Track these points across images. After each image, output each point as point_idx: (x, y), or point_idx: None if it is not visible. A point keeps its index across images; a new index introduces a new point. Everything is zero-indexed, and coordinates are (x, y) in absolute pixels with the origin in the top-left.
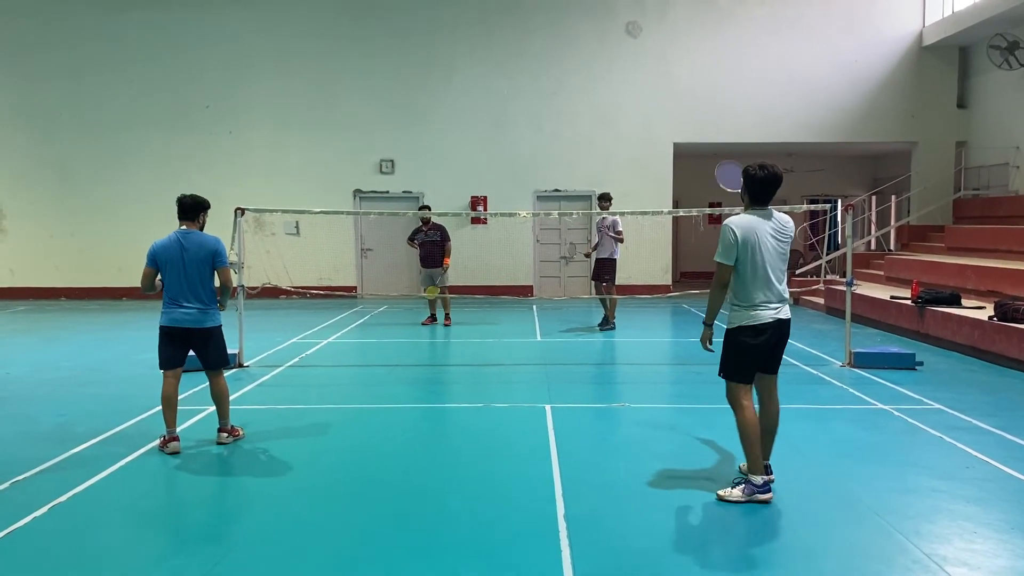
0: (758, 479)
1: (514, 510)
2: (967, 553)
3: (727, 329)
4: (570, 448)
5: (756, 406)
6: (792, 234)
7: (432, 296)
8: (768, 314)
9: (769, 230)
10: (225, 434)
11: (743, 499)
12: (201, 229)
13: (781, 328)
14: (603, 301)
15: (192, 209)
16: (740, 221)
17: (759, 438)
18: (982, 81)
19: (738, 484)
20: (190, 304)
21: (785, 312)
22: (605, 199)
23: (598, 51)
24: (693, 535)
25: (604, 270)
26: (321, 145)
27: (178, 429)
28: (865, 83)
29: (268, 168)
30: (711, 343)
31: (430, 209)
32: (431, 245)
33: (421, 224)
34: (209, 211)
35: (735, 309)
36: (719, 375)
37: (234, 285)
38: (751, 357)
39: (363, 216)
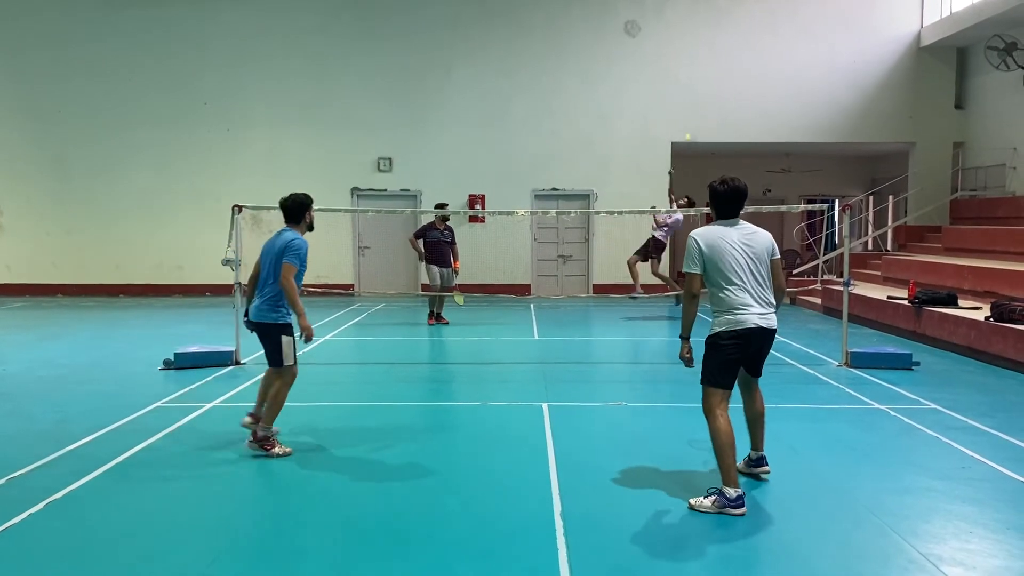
0: (731, 492)
1: (511, 508)
2: (963, 553)
3: (707, 336)
4: (567, 446)
5: (737, 404)
6: (768, 244)
7: (461, 302)
8: (749, 319)
9: (736, 237)
10: (249, 419)
11: (713, 510)
12: (310, 227)
13: (764, 336)
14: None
15: (293, 211)
16: (703, 231)
17: (733, 449)
18: (980, 82)
19: (711, 494)
20: (258, 298)
21: (770, 321)
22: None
23: (596, 50)
24: (689, 534)
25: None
26: (319, 143)
27: (175, 426)
28: (863, 83)
29: (266, 165)
30: (691, 355)
31: (447, 206)
32: (444, 245)
33: (435, 222)
34: (312, 206)
35: (715, 315)
36: (701, 382)
37: (294, 285)
38: (729, 363)
39: (361, 214)
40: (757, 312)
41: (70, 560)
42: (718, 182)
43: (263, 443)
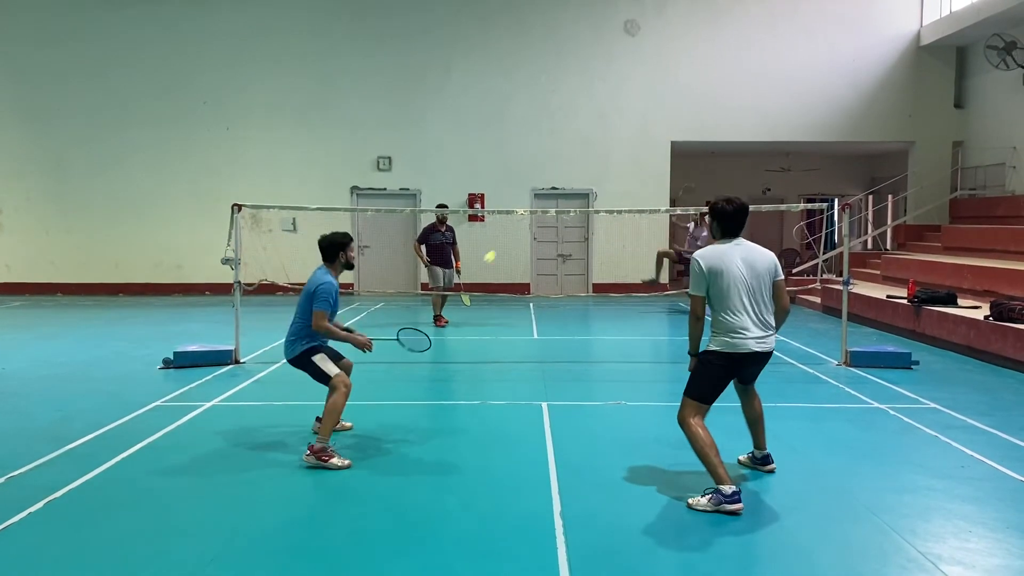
0: (726, 488)
1: (510, 507)
2: (962, 552)
3: (702, 350)
4: (566, 445)
5: (737, 404)
6: (770, 265)
7: (468, 303)
8: (745, 343)
9: (739, 257)
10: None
11: (710, 508)
12: (346, 264)
13: (758, 359)
14: None
15: (327, 250)
16: (705, 252)
17: (714, 450)
18: (979, 81)
19: (707, 493)
20: (288, 332)
21: (767, 344)
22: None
23: (596, 49)
24: (689, 532)
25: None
26: (319, 142)
27: (174, 425)
28: (863, 82)
29: (265, 164)
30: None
31: (447, 207)
32: (447, 247)
33: (437, 224)
34: (348, 245)
35: (713, 333)
36: (684, 393)
37: (328, 327)
38: (716, 381)
39: (360, 213)
40: (754, 337)
41: (70, 559)
42: (723, 202)
43: (319, 455)
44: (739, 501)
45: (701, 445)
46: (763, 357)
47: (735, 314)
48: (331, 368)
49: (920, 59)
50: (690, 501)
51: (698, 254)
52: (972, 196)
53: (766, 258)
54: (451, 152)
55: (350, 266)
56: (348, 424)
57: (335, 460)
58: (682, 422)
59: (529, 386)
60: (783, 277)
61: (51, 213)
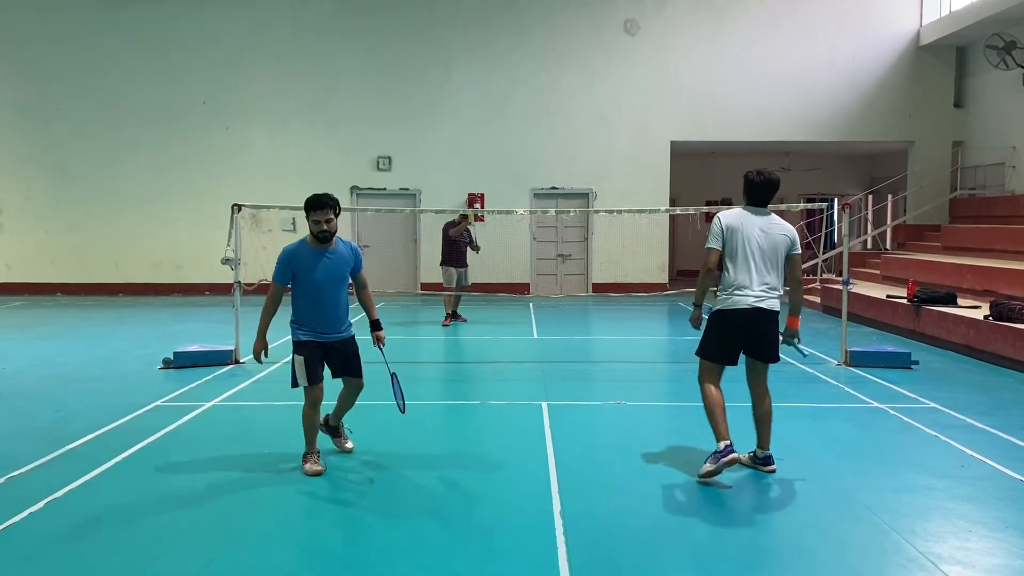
0: (719, 444)
1: (510, 507)
2: (962, 551)
3: (711, 312)
4: (566, 445)
5: (746, 404)
6: (789, 235)
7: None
8: (746, 300)
9: (757, 224)
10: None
11: (714, 468)
12: (314, 235)
13: (763, 317)
14: None
15: None
16: (728, 213)
17: (721, 409)
18: (979, 81)
19: (707, 458)
20: None
21: (769, 303)
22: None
23: (596, 48)
24: (689, 532)
25: None
26: (318, 141)
27: (174, 426)
28: (862, 82)
29: (265, 164)
30: (700, 323)
31: (472, 211)
32: (465, 246)
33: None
34: (311, 211)
35: (719, 295)
36: (695, 353)
37: (267, 300)
38: (725, 340)
39: (360, 213)
40: (754, 295)
41: (70, 559)
42: (754, 173)
43: (303, 461)
44: (732, 452)
45: (709, 403)
46: (768, 316)
47: (740, 273)
48: (301, 378)
49: (920, 59)
50: (699, 478)
51: (720, 214)
52: (972, 196)
53: (785, 230)
54: (451, 152)
55: (315, 236)
56: (349, 445)
57: (307, 466)
58: (699, 381)
59: (529, 386)
60: (799, 252)
61: (51, 213)
